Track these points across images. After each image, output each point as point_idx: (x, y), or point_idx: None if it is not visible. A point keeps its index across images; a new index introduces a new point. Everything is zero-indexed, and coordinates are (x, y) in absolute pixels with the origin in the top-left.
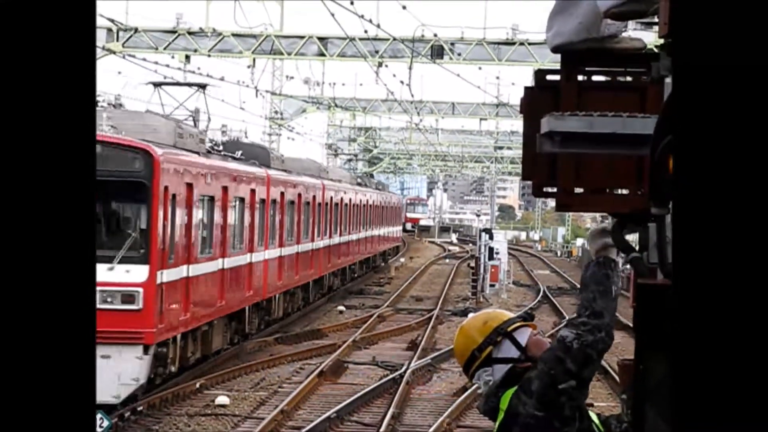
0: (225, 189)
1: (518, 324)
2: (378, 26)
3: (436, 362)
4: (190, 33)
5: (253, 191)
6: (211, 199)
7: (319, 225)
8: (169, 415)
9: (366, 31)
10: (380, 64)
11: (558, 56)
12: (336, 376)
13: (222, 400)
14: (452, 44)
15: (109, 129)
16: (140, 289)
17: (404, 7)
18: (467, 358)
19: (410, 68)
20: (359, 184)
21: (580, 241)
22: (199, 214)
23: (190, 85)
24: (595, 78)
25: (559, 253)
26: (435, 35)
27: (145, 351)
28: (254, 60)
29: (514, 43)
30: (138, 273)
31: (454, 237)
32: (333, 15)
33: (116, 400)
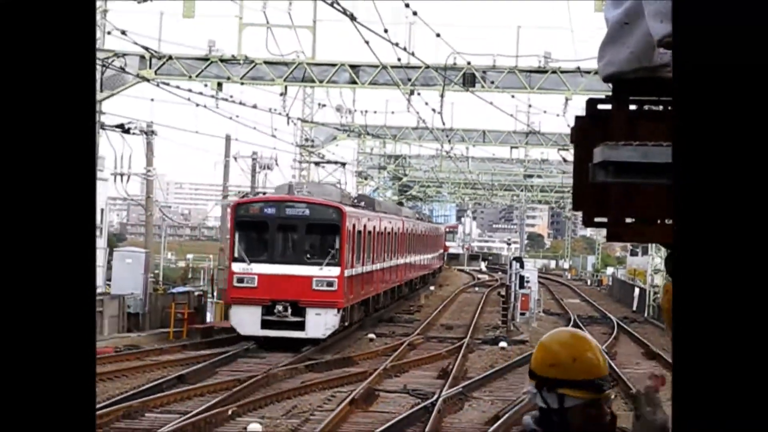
0: (364, 226)
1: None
2: (412, 54)
3: (468, 391)
4: (222, 60)
5: (374, 226)
6: (359, 232)
7: (399, 248)
8: None
9: (399, 59)
10: (412, 92)
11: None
12: (367, 404)
13: (254, 427)
14: (484, 72)
15: (307, 194)
16: (335, 279)
17: (438, 35)
18: (542, 375)
19: (442, 96)
20: (418, 218)
21: (610, 270)
22: (359, 241)
23: (335, 162)
24: (646, 107)
25: (589, 282)
26: (468, 63)
27: (337, 312)
28: (286, 87)
29: (546, 71)
30: (334, 271)
31: (483, 265)
32: (368, 43)
33: (323, 337)
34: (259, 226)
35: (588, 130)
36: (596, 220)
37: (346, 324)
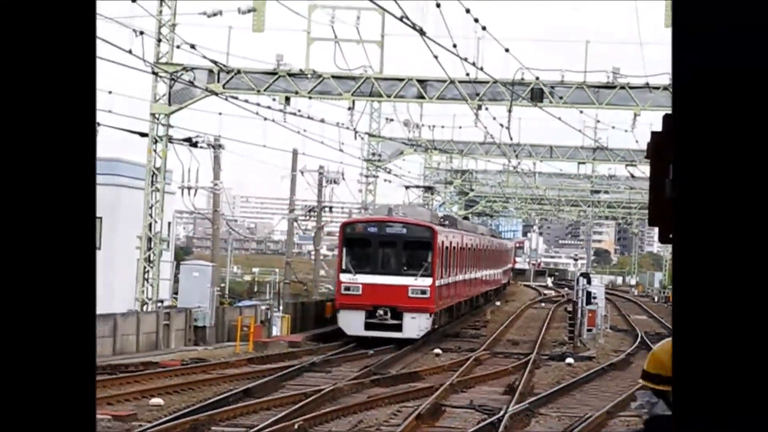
0: (450, 243)
1: None
2: (481, 69)
3: (535, 407)
4: (290, 74)
5: (457, 243)
6: (447, 248)
7: (476, 263)
8: None
9: (467, 74)
10: (480, 107)
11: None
12: (434, 419)
13: None
14: (552, 87)
15: (403, 215)
16: (428, 288)
17: (507, 50)
18: (652, 376)
19: (510, 111)
20: (492, 236)
21: None
22: (446, 256)
23: (426, 187)
24: None
25: (656, 299)
26: (537, 78)
27: (429, 316)
28: (353, 102)
29: (614, 87)
30: (427, 281)
31: (549, 281)
32: (436, 57)
33: (417, 337)
34: (364, 243)
35: (664, 146)
36: (672, 236)
37: (436, 327)
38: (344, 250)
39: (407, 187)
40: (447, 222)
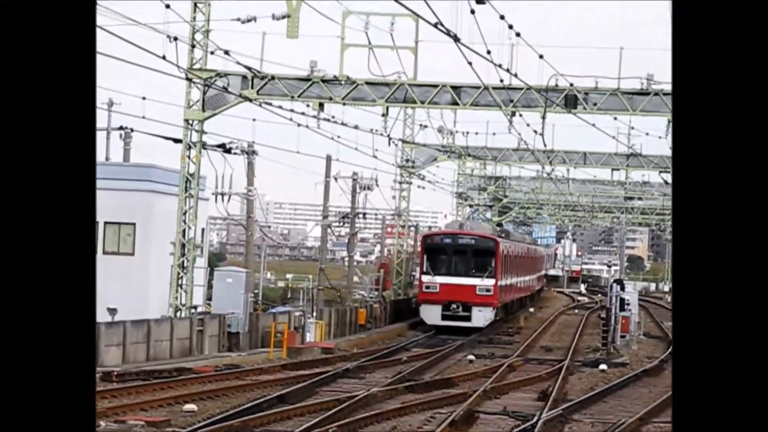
0: (508, 252)
1: None
2: (515, 75)
3: (568, 413)
4: (324, 81)
5: (511, 251)
6: (505, 256)
7: (524, 268)
8: None
9: (501, 80)
10: (513, 113)
11: None
12: (467, 425)
13: None
14: (586, 93)
15: (470, 229)
16: (492, 287)
17: (541, 56)
18: None
19: (543, 117)
20: (532, 243)
21: None
22: (505, 262)
23: (483, 205)
24: None
25: None
26: (571, 84)
27: (493, 309)
28: (387, 108)
29: (648, 93)
30: (491, 282)
31: (583, 287)
32: (470, 64)
33: (484, 326)
34: (440, 251)
35: None
36: (672, 237)
37: (497, 318)
38: (425, 257)
39: (473, 206)
40: (503, 234)
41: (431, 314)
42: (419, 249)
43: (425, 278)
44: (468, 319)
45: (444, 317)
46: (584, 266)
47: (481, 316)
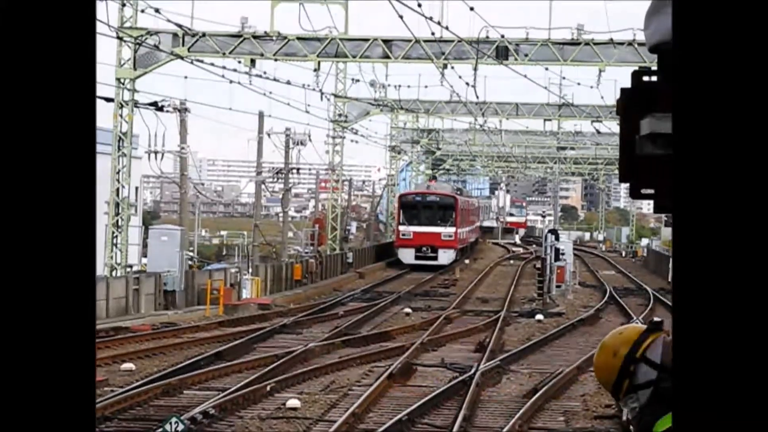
0: (462, 205)
1: (649, 341)
2: (446, 28)
3: (505, 364)
4: (255, 37)
5: (464, 205)
6: (462, 209)
7: (472, 218)
8: (240, 419)
9: (433, 33)
10: (445, 66)
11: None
12: (405, 378)
13: (293, 402)
14: (517, 45)
15: (435, 188)
16: (453, 233)
17: (471, 9)
18: (611, 391)
19: (475, 69)
20: (476, 198)
21: (644, 242)
22: (462, 214)
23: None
24: None
25: (623, 254)
26: (502, 36)
27: (454, 251)
28: (319, 63)
29: (579, 43)
30: (452, 230)
31: (517, 238)
32: (401, 17)
33: (448, 263)
34: (413, 206)
35: (634, 102)
36: (643, 191)
37: (457, 258)
38: (401, 211)
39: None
40: (459, 192)
41: (407, 255)
42: (395, 205)
43: (401, 228)
44: (435, 258)
45: (417, 258)
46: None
47: (446, 256)
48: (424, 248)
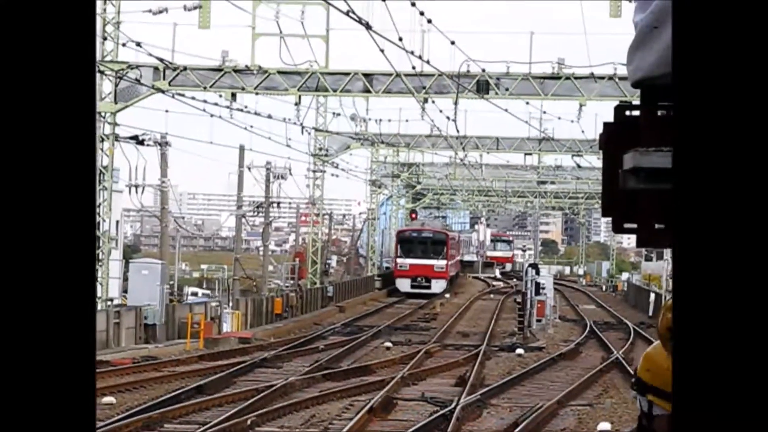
0: (451, 240)
1: None
2: (427, 62)
3: (486, 398)
4: (236, 71)
5: (452, 239)
6: (451, 244)
7: (458, 251)
8: None
9: (413, 67)
10: (426, 100)
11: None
12: (386, 412)
13: None
14: (498, 79)
15: (428, 225)
16: (444, 265)
17: (453, 42)
18: (639, 376)
19: (456, 103)
20: (458, 233)
21: (625, 276)
22: (451, 247)
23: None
24: None
25: (604, 288)
26: (483, 70)
27: (445, 280)
28: (300, 97)
29: (559, 78)
30: (444, 262)
31: (497, 272)
32: (383, 51)
33: (440, 292)
34: (409, 241)
35: (617, 137)
36: (626, 226)
37: (448, 287)
38: (399, 245)
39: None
40: (447, 228)
41: (403, 285)
42: (395, 240)
43: (399, 260)
44: (429, 287)
45: (413, 287)
46: (499, 252)
47: (438, 286)
48: (419, 278)
